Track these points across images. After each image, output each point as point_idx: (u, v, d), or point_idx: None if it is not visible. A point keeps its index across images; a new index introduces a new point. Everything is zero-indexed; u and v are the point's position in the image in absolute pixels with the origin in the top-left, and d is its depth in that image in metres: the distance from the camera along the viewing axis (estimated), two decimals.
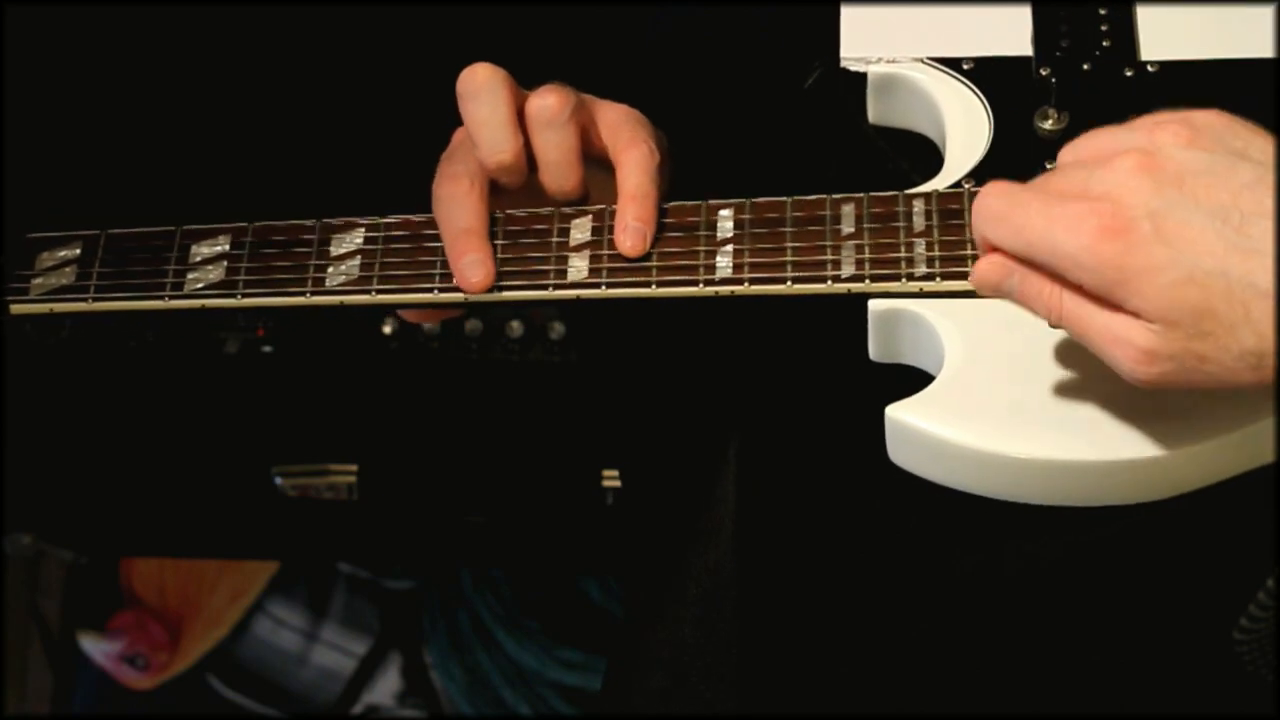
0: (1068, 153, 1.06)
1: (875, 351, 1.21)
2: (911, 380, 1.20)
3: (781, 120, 1.37)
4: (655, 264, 1.21)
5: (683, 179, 1.29)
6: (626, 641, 1.38)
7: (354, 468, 2.09)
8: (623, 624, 1.44)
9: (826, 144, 1.33)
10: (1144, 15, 1.27)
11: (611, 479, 2.08)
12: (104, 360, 2.03)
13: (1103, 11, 1.27)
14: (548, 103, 1.22)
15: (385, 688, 2.42)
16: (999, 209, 1.04)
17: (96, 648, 2.37)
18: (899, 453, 1.17)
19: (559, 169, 1.23)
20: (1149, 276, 0.99)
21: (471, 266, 1.20)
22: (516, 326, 2.00)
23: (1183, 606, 1.22)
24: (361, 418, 2.09)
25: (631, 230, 1.20)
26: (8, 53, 1.86)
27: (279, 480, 2.10)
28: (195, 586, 2.41)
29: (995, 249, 1.05)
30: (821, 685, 1.27)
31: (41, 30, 1.93)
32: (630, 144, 1.22)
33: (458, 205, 1.21)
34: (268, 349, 2.02)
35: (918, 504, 1.19)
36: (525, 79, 1.24)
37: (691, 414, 1.41)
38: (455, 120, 1.25)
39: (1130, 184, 0.99)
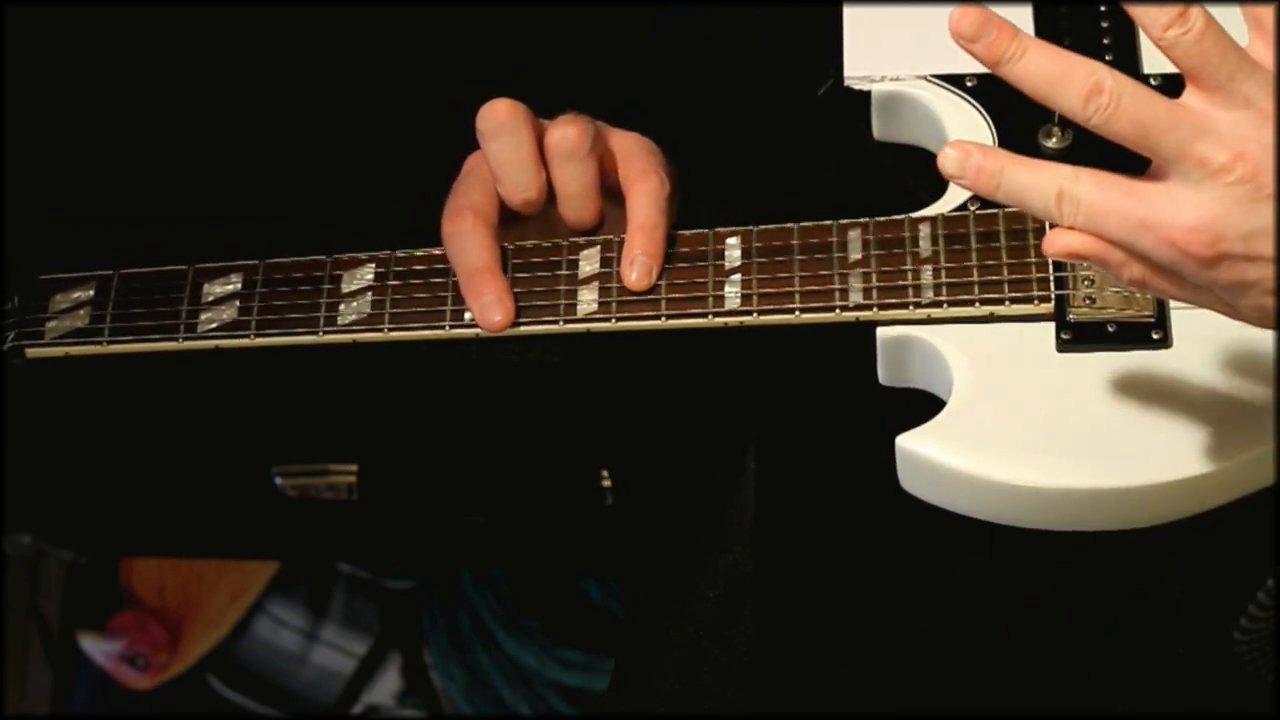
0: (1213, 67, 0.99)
1: (884, 376, 1.22)
2: (921, 398, 1.20)
3: (783, 126, 1.37)
4: (664, 296, 1.21)
5: (683, 183, 1.29)
6: (636, 642, 1.38)
7: (354, 468, 2.09)
8: (630, 624, 1.44)
9: (830, 160, 1.33)
10: None
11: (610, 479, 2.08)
12: (104, 360, 2.03)
13: (1104, 25, 1.27)
14: (568, 135, 1.21)
15: (385, 688, 2.41)
16: (1093, 203, 1.01)
17: (96, 648, 2.36)
18: (910, 480, 1.18)
19: (579, 201, 1.23)
20: (1239, 291, 1.00)
21: (490, 307, 1.21)
22: None
23: (1183, 606, 1.22)
24: (361, 418, 2.09)
25: (638, 264, 1.21)
26: (10, 80, 1.86)
27: (279, 480, 2.10)
28: (195, 586, 2.40)
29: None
30: (835, 688, 1.27)
31: (46, 55, 1.93)
32: (641, 175, 1.22)
33: (467, 242, 1.21)
34: None
35: (925, 515, 1.19)
36: (528, 82, 1.23)
37: (702, 418, 1.41)
38: (463, 142, 1.25)
39: (1231, 204, 0.98)
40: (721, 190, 1.34)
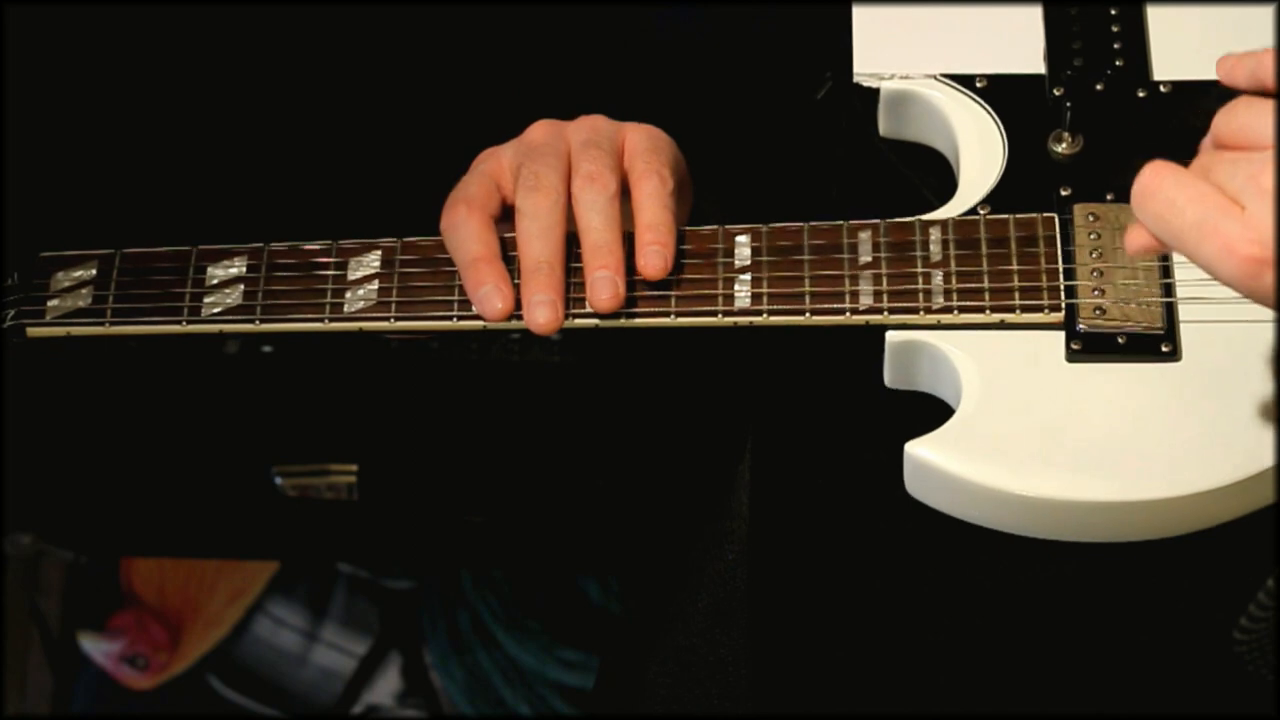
0: (1226, 124, 1.04)
1: (891, 379, 1.22)
2: (922, 401, 1.20)
3: (789, 126, 1.37)
4: (674, 293, 1.21)
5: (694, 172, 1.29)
6: (631, 643, 1.38)
7: (354, 468, 2.09)
8: (625, 625, 1.44)
9: (836, 154, 1.33)
10: (1156, 32, 1.26)
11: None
12: (104, 360, 2.03)
13: (1115, 29, 1.26)
14: (595, 178, 1.21)
15: (385, 688, 2.42)
16: (1158, 200, 1.04)
17: (96, 648, 2.36)
18: (916, 487, 1.18)
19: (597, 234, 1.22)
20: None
21: (489, 296, 1.20)
22: None
23: (1183, 607, 1.23)
24: (361, 418, 2.09)
25: (651, 252, 1.20)
26: (10, 65, 1.86)
27: (279, 480, 2.10)
28: (195, 586, 2.40)
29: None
30: (830, 692, 1.27)
31: (48, 41, 1.93)
32: (643, 175, 1.22)
33: (463, 233, 1.21)
34: (268, 349, 2.02)
35: (924, 516, 1.19)
36: (536, 82, 1.23)
37: (703, 418, 1.41)
38: (471, 137, 1.25)
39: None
40: (727, 187, 1.34)
